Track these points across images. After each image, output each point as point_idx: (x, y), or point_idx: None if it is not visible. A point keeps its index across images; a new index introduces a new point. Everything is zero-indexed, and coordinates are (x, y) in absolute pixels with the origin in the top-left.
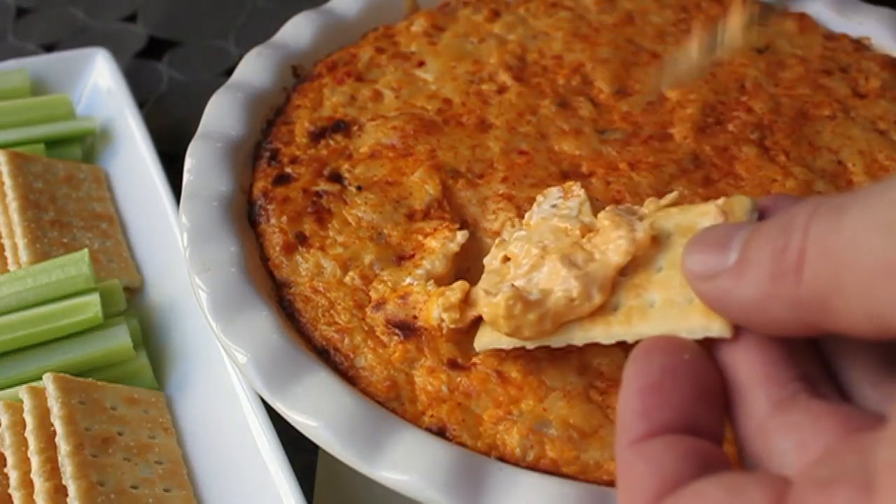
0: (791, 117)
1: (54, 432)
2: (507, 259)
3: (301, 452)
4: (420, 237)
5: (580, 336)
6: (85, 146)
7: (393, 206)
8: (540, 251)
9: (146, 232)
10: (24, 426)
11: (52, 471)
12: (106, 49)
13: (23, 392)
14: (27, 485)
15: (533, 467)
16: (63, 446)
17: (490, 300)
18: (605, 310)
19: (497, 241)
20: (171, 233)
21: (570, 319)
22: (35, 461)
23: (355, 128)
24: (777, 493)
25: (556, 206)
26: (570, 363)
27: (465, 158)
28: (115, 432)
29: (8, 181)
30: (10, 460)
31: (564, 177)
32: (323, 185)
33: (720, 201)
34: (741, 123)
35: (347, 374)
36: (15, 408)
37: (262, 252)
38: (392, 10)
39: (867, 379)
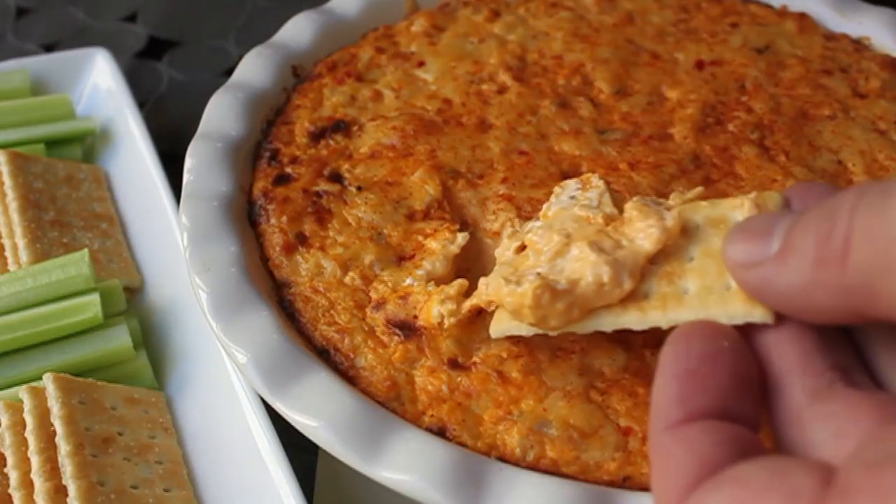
0: (791, 117)
1: (54, 432)
2: (521, 249)
3: (301, 452)
4: (420, 238)
5: (610, 322)
6: (85, 146)
7: (393, 207)
8: (563, 238)
9: (146, 232)
10: (24, 426)
11: (52, 471)
12: (106, 49)
13: (23, 392)
14: (27, 485)
15: (533, 467)
16: (63, 446)
17: (514, 290)
18: (635, 296)
19: (509, 231)
20: (171, 233)
21: (597, 306)
22: (35, 461)
23: (355, 128)
24: (822, 476)
25: (575, 198)
26: (570, 363)
27: (465, 159)
28: (115, 432)
29: (8, 181)
30: (10, 460)
31: (564, 177)
32: (323, 185)
33: (752, 195)
34: (741, 123)
35: (347, 374)
36: (15, 408)
37: (262, 252)
38: (392, 10)
39: None
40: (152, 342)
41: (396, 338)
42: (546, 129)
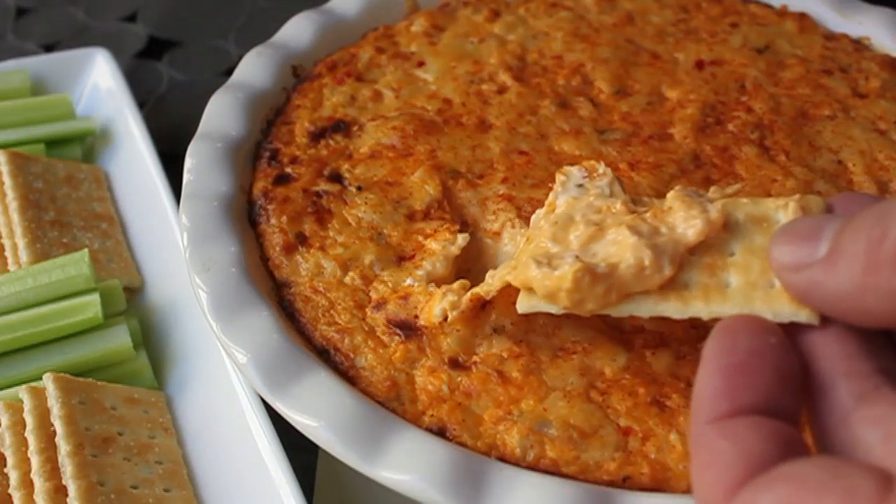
0: (791, 117)
1: (54, 432)
2: (529, 240)
3: (301, 452)
4: (420, 238)
5: (648, 308)
6: (85, 146)
7: (393, 207)
8: (593, 226)
9: (146, 232)
10: (24, 426)
11: (52, 471)
12: (106, 49)
13: (23, 392)
14: (27, 485)
15: (533, 467)
16: (63, 446)
17: (549, 273)
18: (674, 285)
19: (543, 213)
20: (171, 233)
21: (635, 291)
22: (35, 461)
23: (355, 128)
24: (881, 479)
25: (584, 186)
26: (570, 363)
27: (465, 159)
28: (115, 432)
29: (8, 181)
30: (10, 460)
31: None
32: (323, 185)
33: (796, 197)
34: (741, 123)
35: (347, 374)
36: (15, 408)
37: (262, 252)
38: (392, 10)
39: None
40: (152, 342)
41: (397, 338)
42: (546, 129)
